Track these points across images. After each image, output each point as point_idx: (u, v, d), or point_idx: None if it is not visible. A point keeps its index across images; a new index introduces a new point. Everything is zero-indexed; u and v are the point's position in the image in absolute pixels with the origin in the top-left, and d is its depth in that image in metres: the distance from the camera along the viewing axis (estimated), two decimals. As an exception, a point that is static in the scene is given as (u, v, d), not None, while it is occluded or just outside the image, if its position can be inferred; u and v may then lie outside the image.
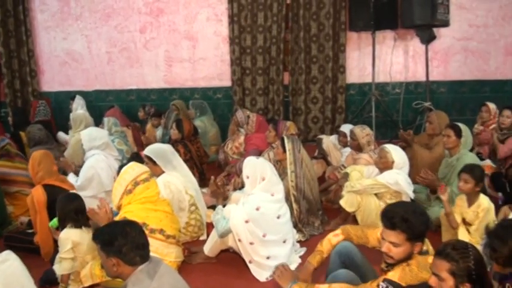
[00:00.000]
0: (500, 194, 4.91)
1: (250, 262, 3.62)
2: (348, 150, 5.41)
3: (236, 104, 7.91)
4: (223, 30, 7.96)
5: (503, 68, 8.01)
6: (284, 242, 3.69)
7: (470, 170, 3.76)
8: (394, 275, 2.47)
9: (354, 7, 7.40)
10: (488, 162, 5.37)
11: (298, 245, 4.02)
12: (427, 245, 2.66)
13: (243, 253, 3.62)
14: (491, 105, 6.10)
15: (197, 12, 7.96)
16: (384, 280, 2.48)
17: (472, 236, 3.60)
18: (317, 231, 4.35)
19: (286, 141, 4.37)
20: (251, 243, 3.56)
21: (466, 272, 2.11)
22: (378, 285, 2.49)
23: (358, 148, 5.05)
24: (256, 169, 3.67)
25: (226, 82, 8.09)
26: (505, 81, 8.02)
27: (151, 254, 2.43)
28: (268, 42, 7.81)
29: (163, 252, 3.51)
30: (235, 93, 7.94)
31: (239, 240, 3.56)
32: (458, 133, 4.47)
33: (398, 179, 4.14)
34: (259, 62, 7.89)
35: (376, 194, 4.28)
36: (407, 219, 2.46)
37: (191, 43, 8.05)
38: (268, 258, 3.60)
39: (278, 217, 3.64)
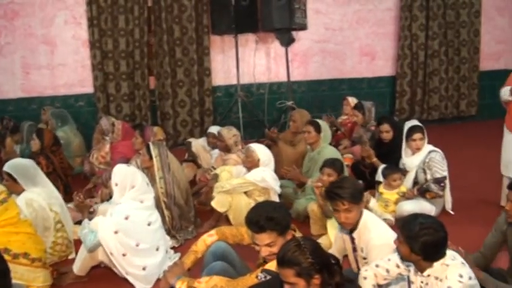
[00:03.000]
0: (360, 182, 5.33)
1: (127, 274, 3.52)
2: (217, 151, 5.51)
3: (100, 111, 7.58)
4: (82, 33, 7.58)
5: (358, 67, 8.74)
6: (157, 249, 3.64)
7: (332, 163, 4.04)
8: (271, 265, 2.56)
9: (216, 11, 7.52)
10: (348, 155, 5.82)
11: (172, 251, 3.98)
12: (299, 234, 2.80)
13: (118, 266, 3.50)
14: (351, 99, 6.68)
15: (54, 14, 7.47)
16: (263, 270, 2.58)
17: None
18: (191, 235, 4.35)
19: (152, 147, 4.31)
20: (124, 255, 3.46)
21: (310, 267, 2.24)
22: (257, 276, 2.58)
23: (227, 149, 5.17)
24: (127, 176, 3.57)
25: (89, 89, 7.71)
26: (361, 79, 8.77)
27: (15, 281, 2.28)
28: (131, 46, 7.62)
29: (30, 277, 3.28)
30: (99, 100, 7.62)
31: (111, 253, 3.44)
32: (318, 128, 4.73)
33: (264, 176, 4.32)
34: (122, 66, 7.66)
35: (245, 192, 4.41)
36: (272, 217, 2.58)
37: (49, 48, 7.53)
38: (144, 269, 3.52)
39: (149, 224, 3.58)
